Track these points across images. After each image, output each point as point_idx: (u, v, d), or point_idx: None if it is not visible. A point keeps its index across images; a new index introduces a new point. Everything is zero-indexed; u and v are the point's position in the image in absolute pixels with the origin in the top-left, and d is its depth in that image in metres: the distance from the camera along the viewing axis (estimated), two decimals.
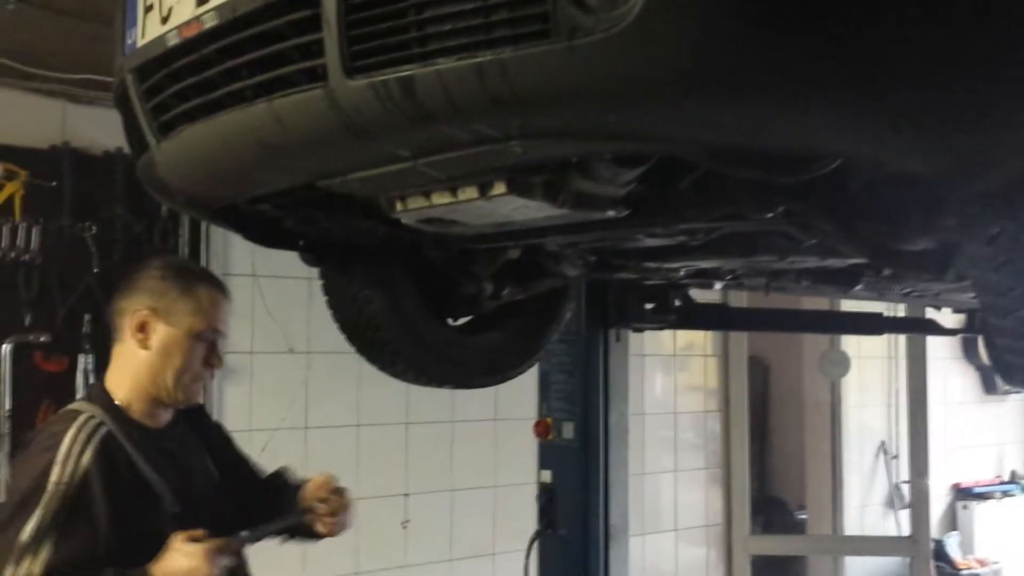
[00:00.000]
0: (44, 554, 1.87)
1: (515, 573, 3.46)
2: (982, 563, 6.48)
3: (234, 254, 3.87)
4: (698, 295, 3.49)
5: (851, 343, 5.85)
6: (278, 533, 2.23)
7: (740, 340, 5.70)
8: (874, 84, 1.15)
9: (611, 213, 1.67)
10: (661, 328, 3.53)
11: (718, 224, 1.83)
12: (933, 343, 5.85)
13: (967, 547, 6.62)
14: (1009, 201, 1.36)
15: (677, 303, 3.28)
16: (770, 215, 1.66)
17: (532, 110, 1.24)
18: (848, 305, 4.54)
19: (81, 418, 2.00)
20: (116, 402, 2.06)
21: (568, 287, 2.90)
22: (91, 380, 3.62)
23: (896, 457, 6.23)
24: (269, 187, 1.71)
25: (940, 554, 6.25)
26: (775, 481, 6.72)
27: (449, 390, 4.06)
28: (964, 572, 6.30)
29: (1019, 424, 7.43)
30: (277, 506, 2.25)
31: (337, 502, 2.23)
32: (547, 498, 3.54)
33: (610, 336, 3.48)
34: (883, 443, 6.30)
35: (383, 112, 1.32)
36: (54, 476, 1.91)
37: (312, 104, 1.38)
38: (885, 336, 6.14)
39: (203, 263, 3.72)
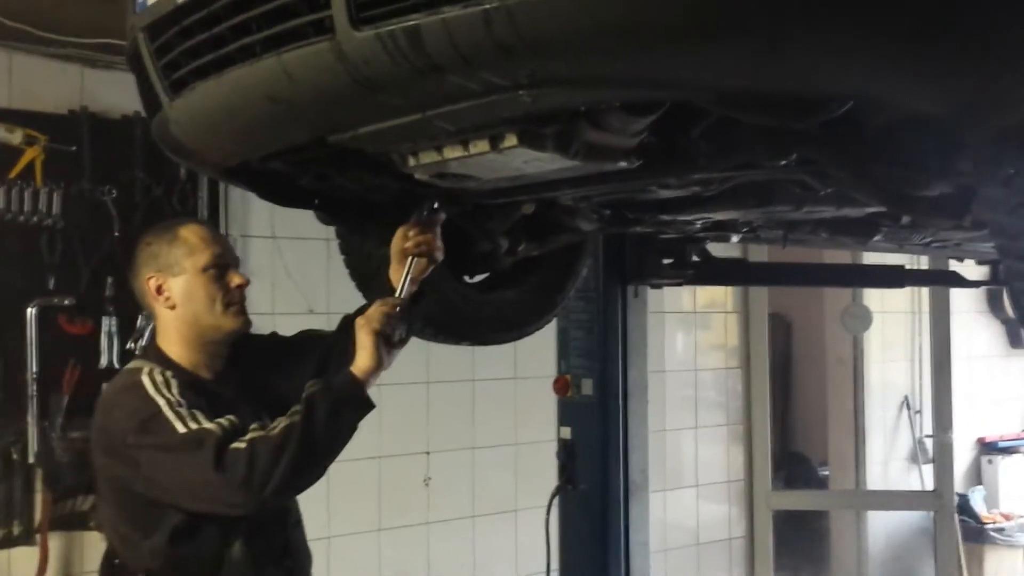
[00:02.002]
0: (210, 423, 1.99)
1: (537, 529, 3.49)
2: (1007, 517, 6.46)
3: (253, 216, 3.89)
4: (717, 251, 3.48)
5: (873, 298, 5.81)
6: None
7: (760, 296, 5.68)
8: (882, 21, 1.14)
9: (623, 164, 1.66)
10: (679, 284, 3.52)
11: (731, 174, 1.82)
12: (957, 297, 5.81)
13: (992, 501, 6.60)
14: (1022, 142, 1.35)
15: (695, 258, 3.26)
16: (783, 163, 1.65)
17: (540, 57, 1.23)
18: (870, 259, 4.50)
19: (146, 368, 2.11)
20: (172, 357, 2.17)
21: (584, 242, 2.90)
22: (115, 342, 3.66)
23: (919, 412, 6.20)
24: (281, 143, 1.71)
25: (964, 508, 6.23)
26: (797, 437, 6.73)
27: (469, 349, 4.11)
28: (989, 526, 6.29)
29: None
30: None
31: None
32: (567, 454, 3.55)
33: (628, 292, 3.48)
34: (906, 398, 6.27)
35: (391, 63, 1.32)
36: (159, 400, 2.02)
37: (320, 57, 1.38)
38: (908, 290, 6.11)
39: (222, 225, 3.74)
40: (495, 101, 1.35)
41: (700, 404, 5.63)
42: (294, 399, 2.05)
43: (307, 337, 2.41)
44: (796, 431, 6.72)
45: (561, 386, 3.59)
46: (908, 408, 6.28)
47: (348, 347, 2.15)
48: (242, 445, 1.93)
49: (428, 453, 4.46)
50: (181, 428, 1.97)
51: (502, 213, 2.40)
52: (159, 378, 2.07)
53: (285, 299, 3.92)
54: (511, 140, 1.57)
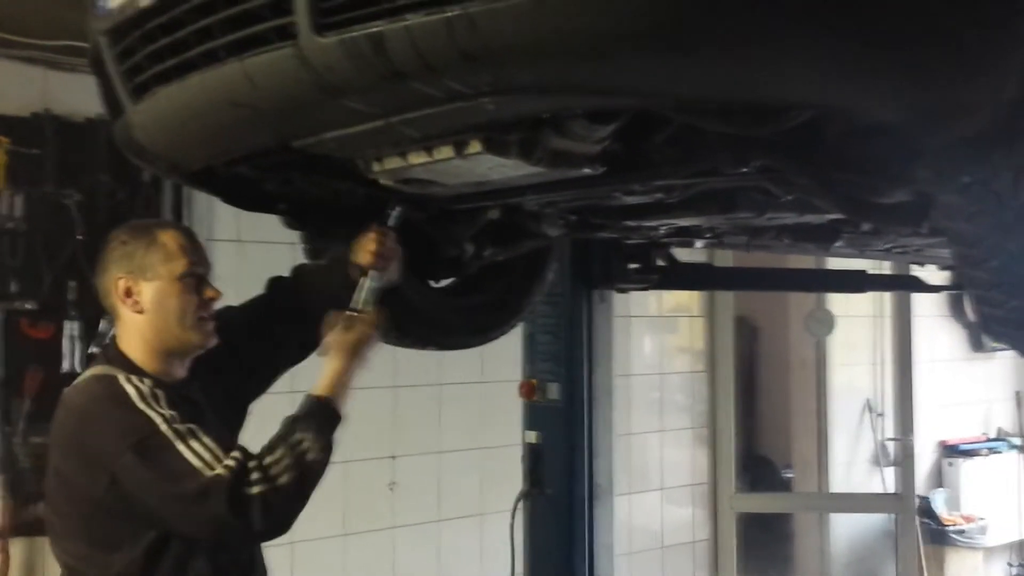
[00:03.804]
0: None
1: (502, 533, 3.49)
2: (968, 519, 6.54)
3: (218, 220, 3.86)
4: (683, 256, 3.50)
5: (838, 303, 5.87)
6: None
7: (726, 301, 5.72)
8: (843, 32, 1.16)
9: (587, 171, 1.68)
10: (645, 288, 3.54)
11: (694, 181, 1.84)
12: (920, 302, 5.88)
13: (953, 504, 6.68)
14: (980, 150, 1.37)
15: (660, 263, 3.29)
16: (745, 170, 1.66)
17: (502, 65, 1.24)
18: (834, 264, 4.55)
19: (122, 376, 2.01)
20: (138, 364, 2.07)
21: (550, 248, 2.91)
22: (77, 347, 3.63)
23: (882, 415, 6.27)
24: (244, 148, 1.71)
25: (926, 511, 6.31)
26: (763, 441, 6.78)
27: (435, 353, 4.10)
28: (950, 528, 6.37)
29: (1006, 382, 7.48)
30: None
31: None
32: (533, 458, 3.56)
33: (594, 297, 3.49)
34: (868, 401, 6.34)
35: (354, 69, 1.32)
36: (152, 415, 1.93)
37: (283, 62, 1.38)
38: (871, 295, 6.16)
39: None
40: (459, 108, 1.36)
41: (666, 408, 5.66)
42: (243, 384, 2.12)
43: (240, 326, 2.30)
44: (761, 434, 6.77)
45: (527, 390, 3.60)
46: (871, 411, 6.34)
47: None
48: (253, 491, 1.87)
49: (394, 457, 4.45)
50: (187, 454, 1.89)
51: (467, 218, 2.41)
52: (144, 388, 1.98)
53: None
54: (475, 147, 1.58)
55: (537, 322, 3.55)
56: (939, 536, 6.27)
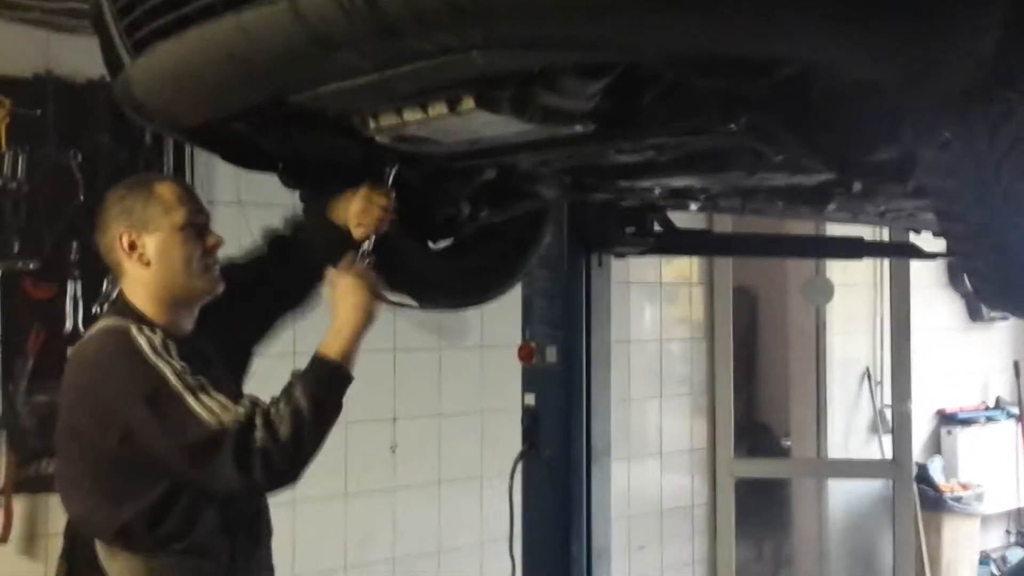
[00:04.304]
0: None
1: (502, 495, 3.53)
2: (965, 487, 6.59)
3: (219, 181, 3.88)
4: (682, 222, 3.52)
5: (836, 271, 5.89)
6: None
7: (725, 269, 5.75)
8: None
9: (578, 128, 1.70)
10: (642, 253, 3.56)
11: (685, 139, 1.86)
12: (919, 271, 5.89)
13: (950, 471, 6.73)
14: (961, 107, 1.39)
15: (657, 227, 3.31)
16: (733, 127, 1.69)
17: (491, 18, 1.26)
18: (835, 233, 4.57)
19: (134, 327, 2.03)
20: (149, 316, 2.10)
21: (547, 210, 2.94)
22: (80, 307, 3.67)
23: (880, 383, 6.30)
24: (241, 104, 1.74)
25: (923, 477, 6.35)
26: (762, 409, 6.82)
27: (436, 317, 4.13)
28: (947, 495, 6.41)
29: (1005, 351, 7.51)
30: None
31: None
32: (531, 420, 3.60)
33: (592, 261, 3.51)
34: (867, 369, 6.37)
35: (347, 22, 1.35)
36: (163, 367, 1.96)
37: (278, 16, 1.40)
38: (870, 263, 6.19)
39: None
40: (449, 61, 1.39)
41: (665, 375, 5.70)
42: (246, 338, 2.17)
43: (240, 279, 2.31)
44: (761, 402, 6.81)
45: (526, 354, 3.63)
46: (869, 379, 6.38)
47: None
48: (257, 444, 1.91)
49: (395, 420, 4.50)
50: (196, 407, 1.92)
51: (463, 178, 2.43)
52: (156, 340, 2.00)
53: None
54: (468, 103, 1.61)
55: (535, 286, 3.58)
56: (936, 503, 6.32)
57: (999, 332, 7.37)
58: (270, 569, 2.25)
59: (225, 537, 2.08)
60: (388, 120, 1.78)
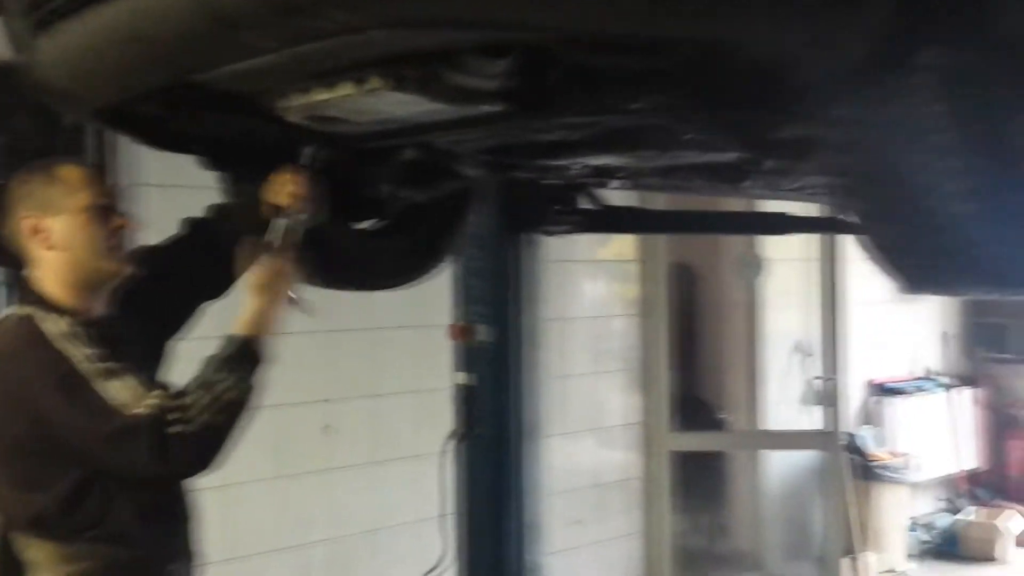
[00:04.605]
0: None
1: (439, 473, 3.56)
2: (894, 455, 6.74)
3: (144, 163, 3.83)
4: (615, 200, 3.54)
5: (770, 246, 5.98)
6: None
7: (659, 246, 5.80)
8: None
9: (486, 107, 1.71)
10: (570, 232, 3.58)
11: (596, 118, 1.88)
12: (851, 245, 5.99)
13: (880, 440, 6.88)
14: (854, 83, 1.42)
15: (585, 205, 3.33)
16: (639, 106, 1.71)
17: None
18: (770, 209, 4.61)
19: (37, 315, 2.02)
20: (58, 302, 2.07)
21: (471, 189, 2.95)
22: (3, 293, 3.60)
23: (811, 355, 6.41)
24: (144, 84, 1.72)
25: (854, 447, 6.49)
26: (699, 383, 6.91)
27: (371, 297, 4.12)
28: (876, 464, 6.56)
29: (933, 323, 7.69)
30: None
31: None
32: (464, 399, 3.62)
33: (521, 240, 3.53)
34: (799, 342, 6.48)
35: (246, 0, 1.34)
36: (72, 353, 1.95)
37: None
38: (803, 238, 6.28)
39: (111, 173, 3.68)
40: (351, 41, 1.39)
41: (603, 351, 5.75)
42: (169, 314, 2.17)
43: (157, 264, 2.31)
44: (699, 377, 6.91)
45: (457, 332, 3.64)
46: (801, 352, 6.49)
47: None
48: (172, 430, 1.90)
49: (328, 401, 4.49)
50: (106, 393, 1.91)
51: (383, 158, 2.43)
52: (64, 327, 1.99)
53: None
54: (375, 82, 1.61)
55: (467, 265, 3.59)
56: (866, 472, 6.46)
57: (928, 304, 7.53)
58: (190, 554, 2.24)
59: (141, 523, 2.06)
60: (296, 99, 1.78)
